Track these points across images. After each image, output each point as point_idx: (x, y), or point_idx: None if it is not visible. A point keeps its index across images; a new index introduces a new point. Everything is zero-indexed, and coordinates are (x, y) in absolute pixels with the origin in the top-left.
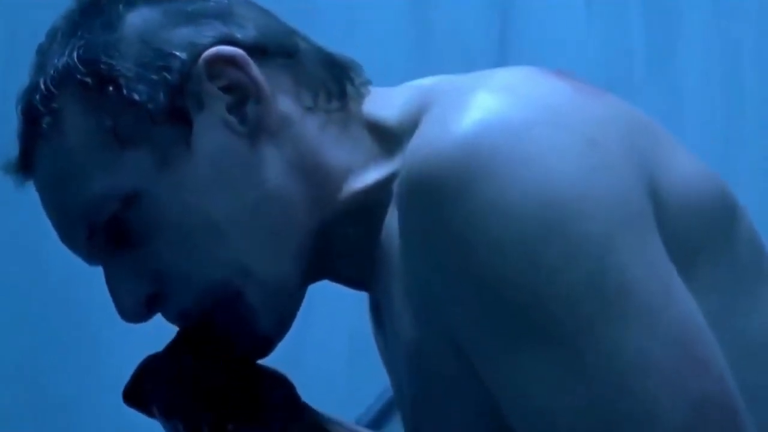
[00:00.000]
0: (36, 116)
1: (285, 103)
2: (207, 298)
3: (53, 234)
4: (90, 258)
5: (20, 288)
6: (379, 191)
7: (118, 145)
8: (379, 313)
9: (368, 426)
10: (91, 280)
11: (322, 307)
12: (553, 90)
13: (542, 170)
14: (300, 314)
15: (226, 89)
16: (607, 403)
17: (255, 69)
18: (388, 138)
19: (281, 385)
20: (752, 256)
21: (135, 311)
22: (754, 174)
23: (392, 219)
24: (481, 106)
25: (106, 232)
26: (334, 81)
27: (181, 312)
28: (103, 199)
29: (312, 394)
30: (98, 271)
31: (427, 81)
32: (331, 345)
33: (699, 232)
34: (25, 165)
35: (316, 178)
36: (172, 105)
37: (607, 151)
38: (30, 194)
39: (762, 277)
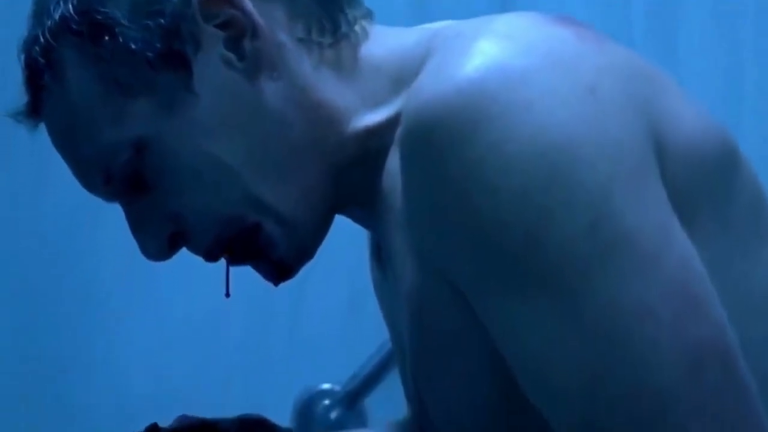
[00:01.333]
0: (37, 69)
1: (281, 38)
2: (226, 233)
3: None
4: (108, 200)
5: (16, 259)
6: (382, 133)
7: (121, 94)
8: (380, 254)
9: (365, 379)
10: (88, 246)
11: (321, 263)
12: (555, 37)
13: (542, 117)
14: (297, 276)
15: (222, 27)
16: (603, 352)
17: (248, 4)
18: (392, 80)
19: (259, 430)
20: (754, 207)
21: (158, 251)
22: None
23: (393, 161)
24: (482, 52)
25: (122, 178)
26: (327, 15)
27: (205, 247)
28: (113, 148)
29: (311, 349)
30: (95, 239)
31: (435, 25)
32: (330, 301)
33: (701, 183)
34: (34, 112)
35: (319, 115)
36: (169, 49)
37: (608, 98)
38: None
39: (763, 229)
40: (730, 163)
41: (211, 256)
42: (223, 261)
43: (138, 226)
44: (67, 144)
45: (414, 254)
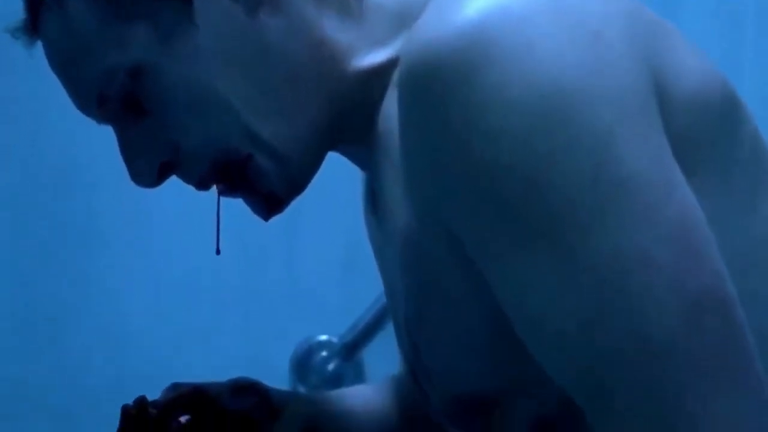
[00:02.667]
0: None
1: None
2: (218, 163)
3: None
4: (102, 122)
5: (12, 202)
6: (382, 74)
7: (121, 19)
8: (374, 197)
9: (363, 330)
10: (85, 188)
11: (317, 214)
12: None
13: (543, 61)
14: (293, 223)
15: None
16: (602, 299)
17: None
18: (394, 21)
19: (251, 394)
20: (755, 159)
21: (148, 178)
22: None
23: (391, 103)
24: None
25: (116, 102)
26: None
27: (197, 176)
28: (109, 72)
29: (308, 301)
30: (92, 176)
31: None
32: (327, 252)
33: (703, 132)
34: (32, 29)
35: (320, 52)
36: None
37: (611, 44)
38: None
39: (764, 181)
40: (732, 114)
41: (202, 185)
42: (216, 216)
43: (130, 151)
44: (64, 64)
45: (410, 199)
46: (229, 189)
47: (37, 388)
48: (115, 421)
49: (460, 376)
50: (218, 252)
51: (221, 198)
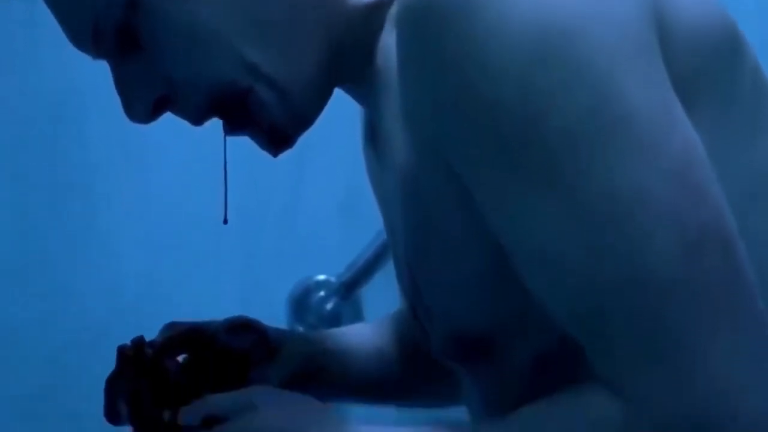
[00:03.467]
0: None
1: None
2: (217, 98)
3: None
4: (97, 57)
5: (6, 146)
6: (380, 9)
7: None
8: (374, 134)
9: (361, 269)
10: (78, 131)
11: (317, 153)
12: None
13: None
14: (294, 166)
15: None
16: (602, 235)
17: None
18: None
19: (249, 332)
20: (756, 92)
21: (142, 114)
22: None
23: (389, 39)
24: None
25: (111, 36)
26: None
27: (194, 111)
28: (104, 5)
29: (306, 240)
30: (87, 114)
31: None
32: (326, 191)
33: (703, 67)
34: None
35: None
36: None
37: None
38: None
39: (764, 116)
40: (733, 48)
41: (198, 120)
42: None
43: (125, 86)
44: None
45: (409, 135)
46: (232, 126)
47: (33, 330)
48: (112, 362)
49: (460, 315)
50: (226, 221)
51: (226, 147)
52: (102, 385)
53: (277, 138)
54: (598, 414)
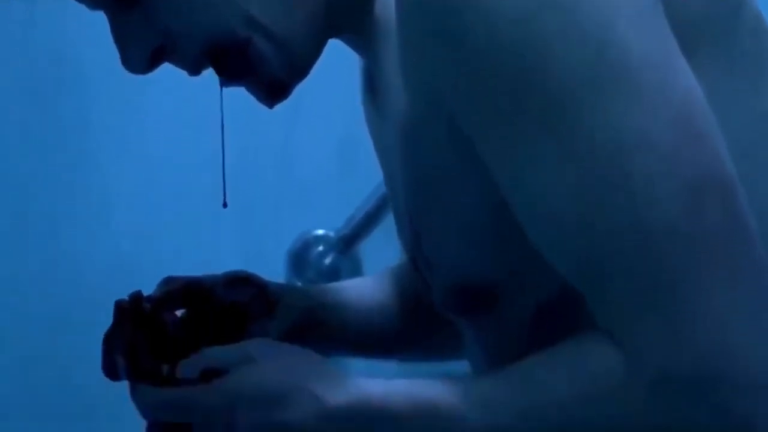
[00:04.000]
0: None
1: None
2: (215, 49)
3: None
4: (94, 8)
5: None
6: None
7: None
8: (373, 85)
9: (360, 224)
10: (78, 77)
11: (312, 104)
12: None
13: None
14: (289, 117)
15: None
16: (602, 184)
17: None
18: None
19: (248, 286)
20: (757, 38)
21: (140, 65)
22: None
23: None
24: None
25: None
26: None
27: (191, 61)
28: None
29: (304, 195)
30: (85, 66)
31: None
32: (323, 144)
33: (704, 13)
34: None
35: None
36: None
37: None
38: None
39: (764, 66)
40: None
41: (195, 71)
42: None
43: (122, 37)
44: None
45: (409, 84)
46: (228, 77)
47: (31, 283)
48: (110, 316)
49: (461, 266)
50: (225, 205)
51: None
52: (100, 341)
53: (274, 89)
54: (600, 365)
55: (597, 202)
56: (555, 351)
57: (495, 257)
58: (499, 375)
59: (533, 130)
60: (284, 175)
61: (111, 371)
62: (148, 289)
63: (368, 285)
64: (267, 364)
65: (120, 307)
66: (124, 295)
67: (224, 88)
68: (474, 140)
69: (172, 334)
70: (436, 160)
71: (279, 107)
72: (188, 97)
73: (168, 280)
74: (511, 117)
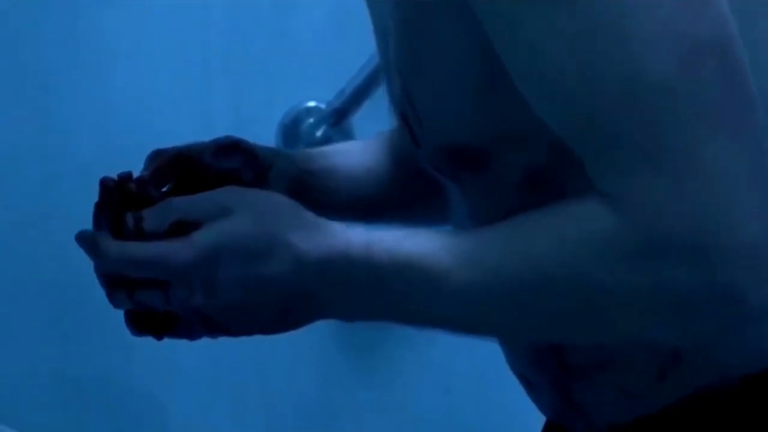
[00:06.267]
0: None
1: None
2: None
3: None
4: None
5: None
6: None
7: None
8: None
9: (351, 96)
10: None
11: None
12: None
13: None
14: None
15: None
16: (599, 42)
17: None
18: None
19: (237, 153)
20: None
21: None
22: None
23: None
24: None
25: None
26: None
27: None
28: None
29: (295, 66)
30: None
31: None
32: (314, 15)
33: None
34: None
35: None
36: None
37: None
38: None
39: None
40: None
41: None
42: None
43: None
44: None
45: None
46: None
47: (23, 156)
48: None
49: (451, 124)
50: None
51: None
52: (89, 219)
53: None
54: (588, 225)
55: (595, 60)
56: (543, 210)
57: (485, 116)
58: (483, 229)
59: None
60: (275, 44)
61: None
62: (138, 156)
63: (358, 149)
64: (243, 215)
65: (105, 186)
66: (116, 167)
67: None
68: (471, 2)
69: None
70: (430, 14)
71: None
72: None
73: (156, 155)
74: None
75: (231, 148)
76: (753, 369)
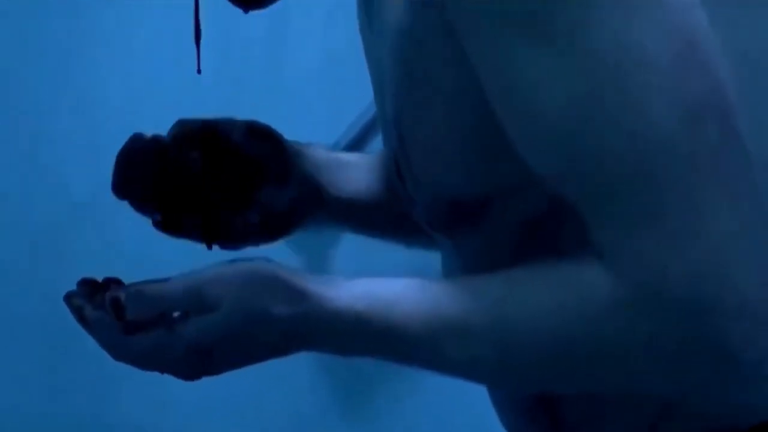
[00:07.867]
0: None
1: None
2: None
3: None
4: None
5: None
6: None
7: None
8: None
9: (347, 147)
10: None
11: (296, 25)
12: None
13: None
14: (275, 31)
15: None
16: (597, 94)
17: None
18: None
19: (269, 141)
20: None
21: None
22: None
23: None
24: None
25: None
26: None
27: None
28: None
29: (292, 106)
30: None
31: None
32: (307, 64)
33: None
34: None
35: None
36: None
37: None
38: None
39: None
40: None
41: None
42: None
43: None
44: None
45: None
46: None
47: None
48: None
49: (449, 178)
50: (199, 71)
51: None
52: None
53: None
54: (587, 291)
55: (592, 114)
56: (539, 275)
57: (482, 171)
58: (477, 301)
59: (530, 34)
60: (272, 85)
61: (121, 188)
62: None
63: (376, 165)
64: (232, 313)
65: (138, 139)
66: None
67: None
68: (467, 42)
69: (195, 171)
70: (428, 63)
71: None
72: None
73: (182, 122)
74: (506, 22)
75: (264, 134)
76: (743, 425)
